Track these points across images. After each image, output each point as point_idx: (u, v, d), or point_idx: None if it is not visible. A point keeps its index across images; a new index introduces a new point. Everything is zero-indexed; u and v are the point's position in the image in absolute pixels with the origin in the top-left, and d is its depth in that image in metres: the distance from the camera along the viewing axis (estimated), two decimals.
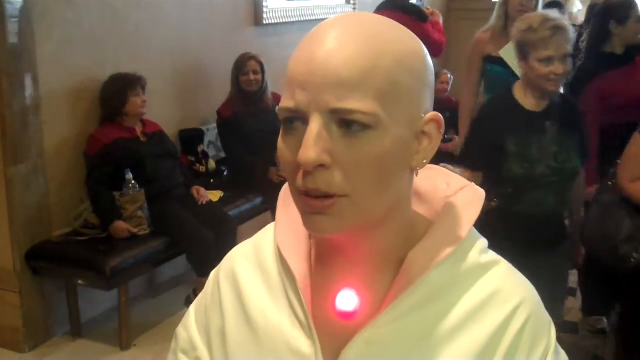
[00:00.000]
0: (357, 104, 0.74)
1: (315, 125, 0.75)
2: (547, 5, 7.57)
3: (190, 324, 0.99)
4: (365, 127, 0.75)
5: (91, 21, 3.85)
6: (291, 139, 0.78)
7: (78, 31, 3.78)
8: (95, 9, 3.87)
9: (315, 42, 0.77)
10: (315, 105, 0.75)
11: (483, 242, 0.88)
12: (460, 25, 6.34)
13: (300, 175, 0.76)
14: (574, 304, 4.10)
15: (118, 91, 3.78)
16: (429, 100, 0.82)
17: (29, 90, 3.50)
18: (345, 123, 0.75)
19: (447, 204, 0.88)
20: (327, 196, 0.76)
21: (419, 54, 0.80)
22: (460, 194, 0.89)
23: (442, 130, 0.82)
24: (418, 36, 0.83)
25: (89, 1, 3.83)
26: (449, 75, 6.01)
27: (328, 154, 0.75)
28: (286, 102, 0.78)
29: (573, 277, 4.37)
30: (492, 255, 0.88)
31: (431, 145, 0.82)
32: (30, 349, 3.62)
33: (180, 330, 1.01)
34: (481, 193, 0.89)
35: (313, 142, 0.74)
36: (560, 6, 7.61)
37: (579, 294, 4.24)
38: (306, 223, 0.80)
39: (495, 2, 4.42)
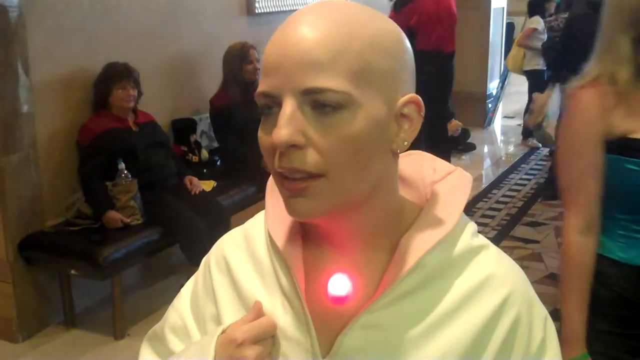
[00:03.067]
0: (329, 82, 0.75)
1: (288, 106, 0.76)
2: None
3: (185, 310, 0.99)
4: (338, 107, 0.75)
5: (82, 11, 3.83)
6: (268, 124, 0.79)
7: (69, 21, 3.76)
8: None
9: (288, 27, 0.78)
10: (287, 87, 0.76)
11: (473, 225, 0.89)
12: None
13: (276, 156, 0.77)
14: None
15: (103, 81, 3.79)
16: (408, 82, 0.82)
17: (20, 81, 3.48)
18: (319, 104, 0.76)
19: (436, 189, 0.89)
20: (303, 177, 0.77)
21: (394, 37, 0.81)
22: (447, 179, 0.90)
23: (423, 112, 0.83)
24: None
25: None
26: None
27: (302, 134, 0.76)
28: (261, 87, 0.79)
29: None
30: (482, 238, 0.89)
31: (412, 127, 0.82)
32: (24, 339, 3.62)
33: (171, 313, 1.00)
34: (468, 177, 0.90)
35: (286, 122, 0.75)
36: None
37: None
38: (287, 207, 0.81)
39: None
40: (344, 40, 0.76)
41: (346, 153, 0.76)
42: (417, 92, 0.84)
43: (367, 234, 0.85)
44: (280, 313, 0.87)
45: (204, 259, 1.01)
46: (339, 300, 0.82)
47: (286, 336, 0.86)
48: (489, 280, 0.85)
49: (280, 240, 0.89)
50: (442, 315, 0.83)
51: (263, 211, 0.96)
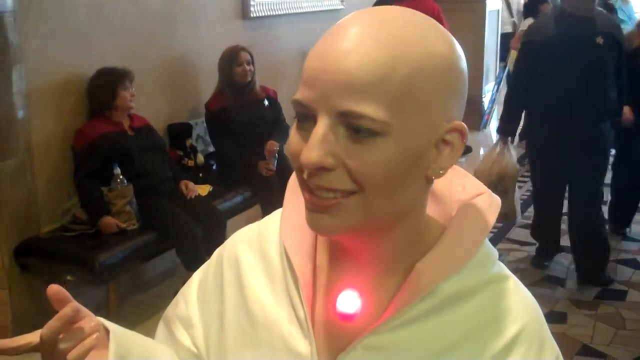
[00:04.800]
0: (368, 109, 0.70)
1: (321, 126, 0.72)
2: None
3: (192, 301, 0.97)
4: (374, 133, 0.71)
5: (77, 16, 3.83)
6: (302, 133, 0.75)
7: (64, 26, 3.75)
8: (82, 3, 3.84)
9: (333, 38, 0.74)
10: (323, 105, 0.72)
11: (494, 253, 0.85)
12: (447, 17, 6.35)
13: (305, 173, 0.75)
14: (562, 294, 4.13)
15: (107, 85, 3.77)
16: (455, 107, 0.77)
17: (15, 86, 3.47)
18: (353, 127, 0.72)
19: (462, 209, 0.85)
20: (335, 195, 0.74)
21: (445, 59, 0.75)
22: (476, 201, 0.85)
23: (466, 140, 0.77)
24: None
25: None
26: None
27: (332, 156, 0.72)
28: (297, 95, 0.75)
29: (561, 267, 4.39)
30: (502, 268, 0.86)
31: (452, 154, 0.77)
32: None
33: (180, 300, 0.99)
34: (497, 201, 0.86)
35: (317, 144, 0.72)
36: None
37: (568, 283, 4.26)
38: (308, 220, 0.77)
39: None
40: (389, 63, 0.71)
41: (378, 178, 0.73)
42: None
43: (389, 254, 0.82)
44: (285, 322, 0.85)
45: (217, 250, 0.98)
46: (347, 317, 0.80)
47: (288, 347, 0.84)
48: (503, 313, 0.82)
49: (292, 250, 0.86)
50: (448, 345, 0.80)
51: (280, 210, 0.93)
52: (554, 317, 3.74)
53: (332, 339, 0.83)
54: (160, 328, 1.01)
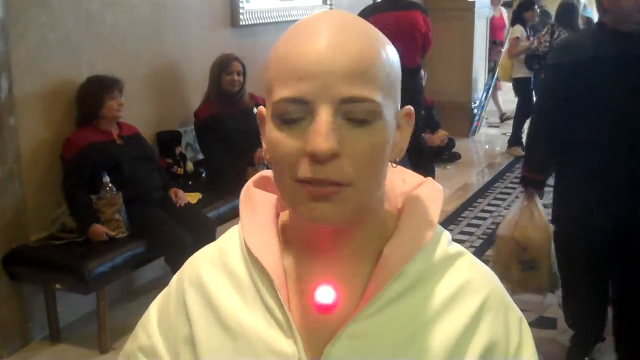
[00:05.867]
0: (368, 92, 0.76)
1: (325, 115, 0.75)
2: None
3: (153, 330, 0.96)
4: (370, 117, 0.77)
5: (66, 23, 3.82)
6: (293, 130, 0.77)
7: (53, 33, 3.75)
8: (70, 11, 3.84)
9: (313, 34, 0.78)
10: (323, 95, 0.76)
11: (447, 234, 0.92)
12: (436, 25, 6.37)
13: (305, 164, 0.76)
14: (552, 299, 4.14)
15: (94, 94, 3.76)
16: (399, 96, 0.85)
17: (3, 94, 3.46)
18: (352, 114, 0.77)
19: (409, 199, 0.91)
20: (335, 183, 0.77)
21: (395, 53, 0.84)
22: (420, 189, 0.92)
23: (412, 123, 0.87)
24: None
25: (64, 3, 3.80)
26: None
27: (339, 142, 0.76)
28: (289, 92, 0.77)
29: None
30: (457, 246, 0.92)
31: (404, 136, 0.86)
32: (9, 354, 3.58)
33: (140, 331, 0.98)
34: (439, 187, 0.93)
35: (327, 131, 0.75)
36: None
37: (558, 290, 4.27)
38: (307, 211, 0.79)
39: (472, 1, 4.16)
40: (374, 52, 0.78)
41: (373, 163, 0.79)
42: None
43: (358, 244, 0.86)
44: (263, 327, 0.86)
45: (175, 276, 0.98)
46: (326, 309, 0.82)
47: (272, 350, 0.84)
48: (467, 286, 0.88)
49: (260, 253, 0.88)
50: (425, 321, 0.84)
51: (236, 226, 0.95)
52: (543, 323, 3.74)
53: (314, 334, 0.84)
54: None
